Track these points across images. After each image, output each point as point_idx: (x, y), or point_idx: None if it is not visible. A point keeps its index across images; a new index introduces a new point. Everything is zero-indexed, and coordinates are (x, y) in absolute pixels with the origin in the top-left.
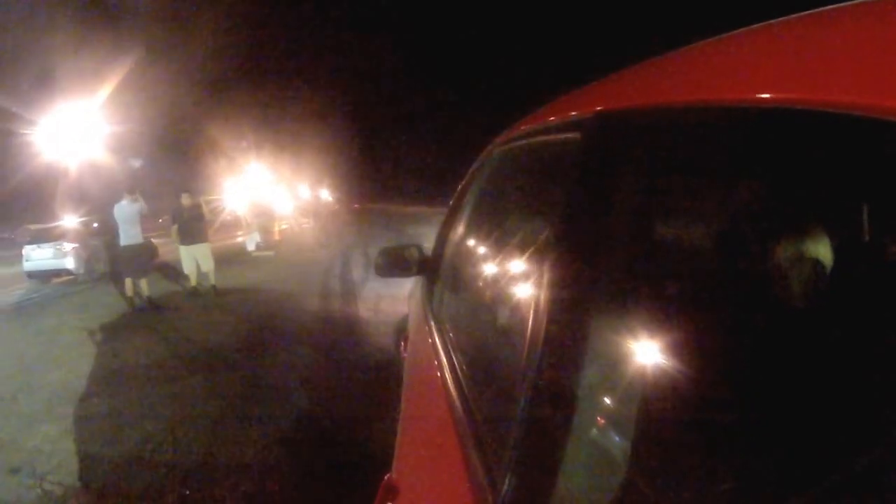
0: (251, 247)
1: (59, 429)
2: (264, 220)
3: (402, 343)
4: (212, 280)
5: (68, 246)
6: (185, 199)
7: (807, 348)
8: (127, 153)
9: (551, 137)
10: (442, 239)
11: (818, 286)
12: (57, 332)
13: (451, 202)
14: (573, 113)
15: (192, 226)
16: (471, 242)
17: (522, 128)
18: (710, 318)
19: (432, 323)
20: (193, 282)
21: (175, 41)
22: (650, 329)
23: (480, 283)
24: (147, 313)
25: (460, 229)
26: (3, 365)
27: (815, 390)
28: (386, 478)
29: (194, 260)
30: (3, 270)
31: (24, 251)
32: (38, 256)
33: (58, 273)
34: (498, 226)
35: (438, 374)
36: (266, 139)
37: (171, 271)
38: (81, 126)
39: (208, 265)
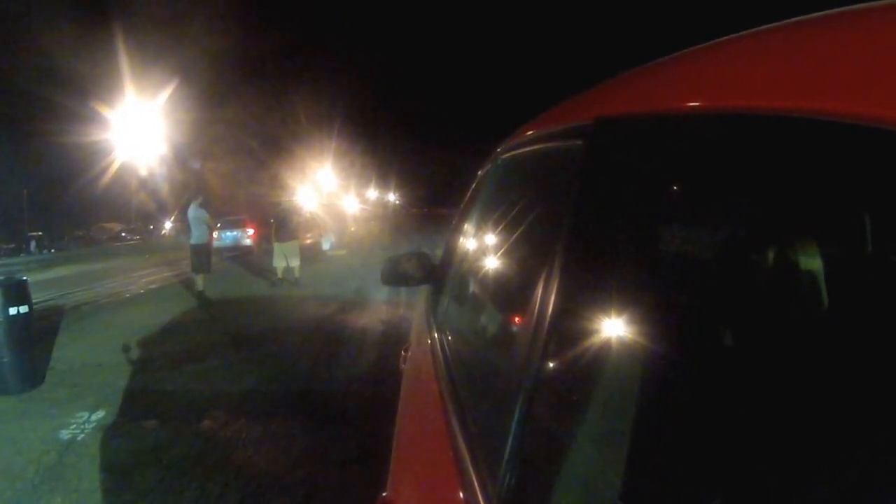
0: (326, 246)
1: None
2: (337, 222)
3: (403, 354)
4: (296, 274)
5: (248, 232)
6: (285, 201)
7: (807, 352)
8: (194, 156)
9: (553, 144)
10: (449, 247)
11: (816, 292)
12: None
13: (459, 209)
14: (573, 119)
15: (287, 225)
16: (475, 251)
17: (525, 135)
18: (712, 325)
19: (435, 333)
20: (280, 274)
21: (250, 47)
22: (652, 340)
23: (480, 292)
24: (211, 306)
25: (466, 238)
26: None
27: (817, 394)
28: (380, 498)
29: (284, 256)
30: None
31: (216, 234)
32: (226, 237)
33: (236, 249)
34: (502, 234)
35: (437, 387)
36: (337, 146)
37: (260, 266)
38: (153, 129)
39: (295, 261)
